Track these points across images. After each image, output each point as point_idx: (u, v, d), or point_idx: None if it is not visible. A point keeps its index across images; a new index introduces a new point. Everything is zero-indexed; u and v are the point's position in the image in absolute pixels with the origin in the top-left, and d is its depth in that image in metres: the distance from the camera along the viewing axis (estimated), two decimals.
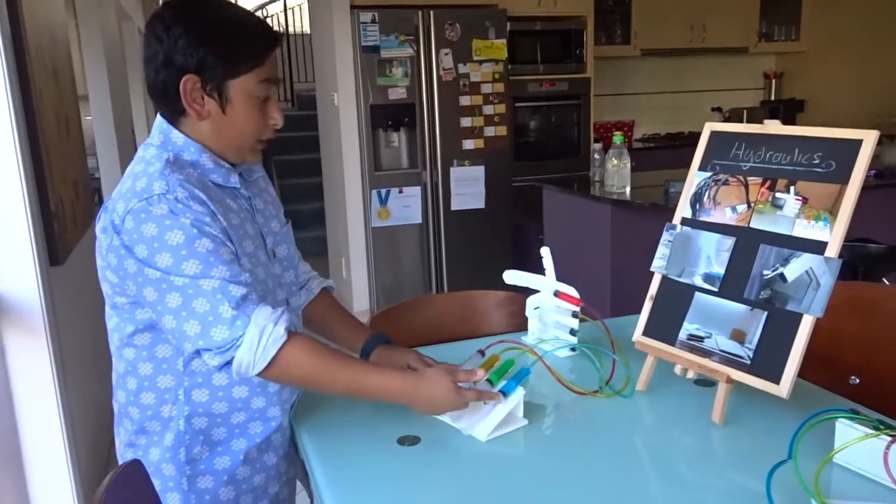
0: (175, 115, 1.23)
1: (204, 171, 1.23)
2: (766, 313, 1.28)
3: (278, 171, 6.65)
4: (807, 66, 6.20)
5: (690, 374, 1.37)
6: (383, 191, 4.52)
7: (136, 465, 1.08)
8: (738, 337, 1.31)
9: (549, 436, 1.32)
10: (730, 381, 1.29)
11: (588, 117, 5.23)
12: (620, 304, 3.15)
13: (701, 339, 1.37)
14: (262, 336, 1.13)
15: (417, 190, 4.60)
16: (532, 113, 5.17)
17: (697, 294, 1.40)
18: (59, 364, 2.21)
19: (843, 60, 5.86)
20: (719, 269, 1.37)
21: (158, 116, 1.25)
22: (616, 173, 3.24)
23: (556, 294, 1.66)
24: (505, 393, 1.30)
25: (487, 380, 1.34)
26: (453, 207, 4.69)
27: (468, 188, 4.69)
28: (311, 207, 6.21)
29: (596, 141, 5.31)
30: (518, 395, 1.30)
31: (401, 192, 4.55)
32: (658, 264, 1.49)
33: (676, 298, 1.44)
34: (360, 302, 4.72)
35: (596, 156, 3.61)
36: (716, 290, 1.37)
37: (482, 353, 1.45)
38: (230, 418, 1.26)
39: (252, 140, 1.26)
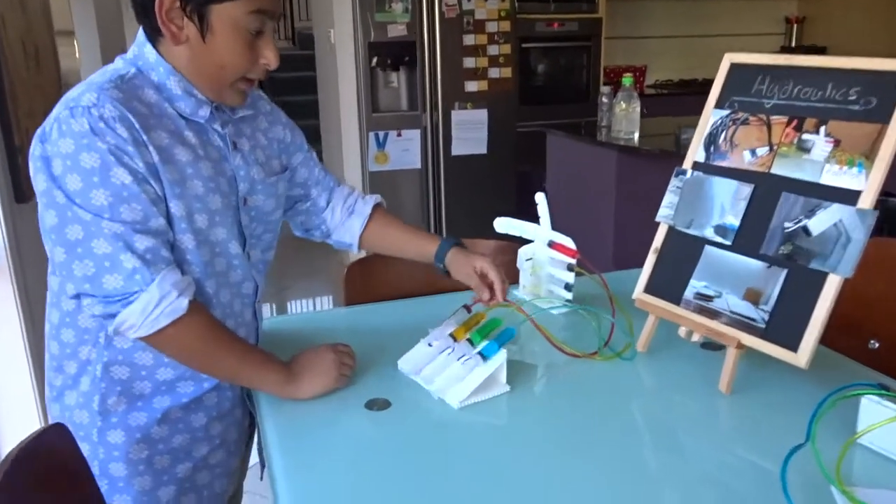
0: (154, 33, 1.08)
1: (170, 95, 1.09)
2: (785, 271, 1.13)
3: None
4: (830, 11, 5.88)
5: (696, 337, 1.23)
6: (381, 133, 4.33)
7: (58, 431, 0.95)
8: (753, 297, 1.16)
9: (537, 403, 1.18)
10: (741, 346, 1.15)
11: (598, 61, 4.98)
12: (624, 258, 2.99)
13: (710, 298, 1.22)
14: (161, 302, 1.01)
15: (417, 133, 4.41)
16: (539, 55, 4.92)
17: (708, 248, 1.25)
18: (24, 304, 2.09)
19: (867, 4, 5.55)
20: (734, 221, 1.21)
21: (140, 30, 1.10)
22: (624, 118, 3.04)
23: (551, 245, 1.51)
24: (485, 356, 1.16)
25: (468, 339, 1.20)
26: (454, 152, 4.50)
27: (470, 132, 4.49)
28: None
29: (605, 85, 5.07)
30: (500, 358, 1.16)
31: (399, 135, 4.35)
32: (664, 213, 1.32)
33: (684, 252, 1.28)
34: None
35: (604, 99, 3.40)
36: (729, 243, 1.21)
37: (468, 308, 1.31)
38: (155, 373, 1.13)
39: (233, 77, 1.10)
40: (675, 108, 4.58)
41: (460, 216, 4.62)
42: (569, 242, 1.49)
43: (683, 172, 1.32)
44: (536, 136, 4.89)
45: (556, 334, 1.32)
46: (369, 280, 1.67)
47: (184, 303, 1.03)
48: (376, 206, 1.43)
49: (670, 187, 1.33)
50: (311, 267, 4.64)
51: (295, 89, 6.47)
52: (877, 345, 1.39)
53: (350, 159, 4.44)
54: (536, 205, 1.55)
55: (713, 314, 1.20)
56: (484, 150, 4.56)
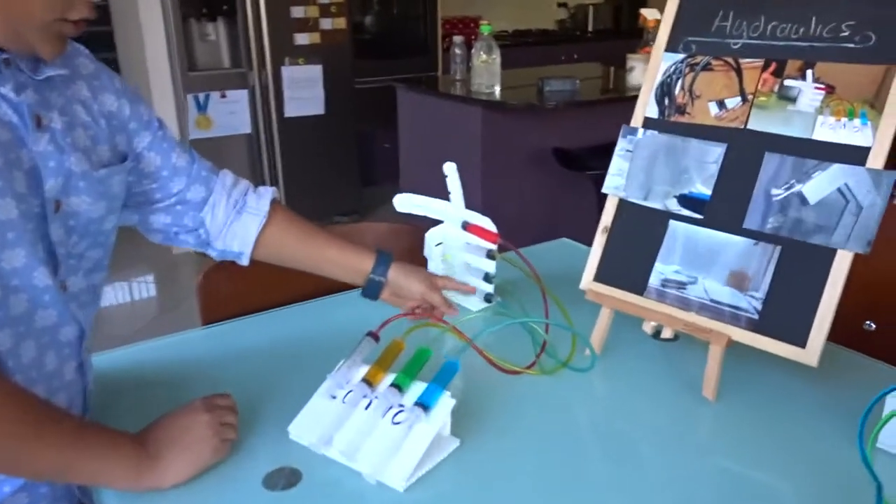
0: None
1: None
2: (777, 249, 0.93)
3: None
4: None
5: (668, 334, 1.01)
6: (201, 95, 3.77)
7: None
8: (738, 282, 0.95)
9: (494, 451, 0.90)
10: (730, 342, 0.94)
11: (435, 11, 4.71)
12: (497, 220, 2.78)
13: (682, 284, 1.00)
14: None
15: (244, 94, 3.89)
16: (373, 4, 4.54)
17: (673, 224, 1.02)
18: None
19: None
20: (704, 189, 1.00)
21: None
22: (485, 70, 2.80)
23: (466, 227, 1.22)
24: (426, 406, 0.85)
25: (394, 384, 0.88)
26: (288, 114, 4.04)
27: (304, 91, 4.05)
28: None
29: (444, 38, 4.82)
30: (446, 407, 0.86)
31: (223, 96, 3.82)
32: (613, 183, 1.08)
33: (642, 230, 1.05)
34: None
35: (457, 51, 3.14)
36: (700, 217, 1.00)
37: (374, 336, 0.98)
38: None
39: (48, 17, 0.73)
40: (516, 60, 4.44)
41: (300, 185, 4.20)
42: (487, 224, 1.21)
43: (633, 132, 1.08)
44: (376, 93, 4.55)
45: (482, 339, 1.04)
46: (233, 288, 1.29)
47: None
48: (273, 203, 1.07)
49: (618, 150, 1.09)
50: (137, 254, 4.00)
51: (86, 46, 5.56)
52: (873, 326, 1.26)
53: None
54: (445, 177, 1.25)
55: (688, 304, 0.99)
56: (321, 110, 4.15)
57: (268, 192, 1.07)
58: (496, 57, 2.81)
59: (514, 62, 4.29)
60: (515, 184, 2.78)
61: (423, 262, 1.28)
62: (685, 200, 1.01)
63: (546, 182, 2.91)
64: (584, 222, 3.07)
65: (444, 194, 1.25)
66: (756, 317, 0.93)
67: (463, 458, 0.86)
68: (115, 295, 3.59)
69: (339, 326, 1.18)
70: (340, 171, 4.32)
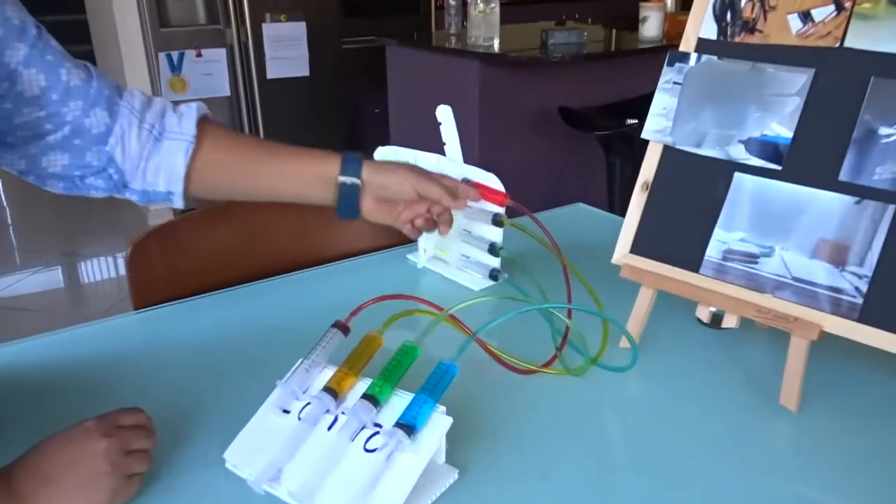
0: None
1: None
2: (891, 209, 0.68)
3: None
4: None
5: (731, 322, 0.77)
6: (175, 53, 3.48)
7: None
8: (833, 254, 0.71)
9: (502, 480, 0.66)
10: (822, 335, 0.70)
11: None
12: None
13: (753, 257, 0.76)
14: None
15: (222, 53, 3.60)
16: None
17: (740, 177, 0.78)
18: None
19: None
20: (783, 131, 0.75)
21: None
22: (483, 21, 2.52)
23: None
24: (411, 427, 0.61)
25: (367, 396, 0.64)
26: (270, 75, 3.76)
27: (288, 51, 3.76)
28: None
29: None
30: (438, 428, 0.62)
31: (199, 54, 3.53)
32: (656, 126, 0.83)
33: (696, 187, 0.81)
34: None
35: (451, 2, 2.85)
36: (778, 167, 0.75)
37: (343, 328, 0.72)
38: None
39: None
40: (512, 19, 4.15)
41: None
42: (493, 181, 0.96)
43: (683, 58, 0.83)
44: (365, 54, 4.25)
45: (487, 330, 0.79)
46: (178, 262, 1.04)
47: None
48: (201, 122, 0.82)
49: (662, 83, 0.84)
50: (110, 217, 3.74)
51: (55, 6, 5.23)
52: None
53: (136, 87, 3.54)
54: (439, 124, 0.99)
55: (760, 284, 0.74)
56: (305, 72, 3.86)
57: (191, 110, 0.81)
58: (495, 6, 2.54)
59: (509, 21, 4.01)
60: (516, 146, 2.52)
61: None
62: (756, 146, 0.77)
63: (550, 144, 2.65)
64: (593, 188, 2.82)
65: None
66: (859, 300, 0.69)
67: (463, 494, 0.62)
68: (85, 271, 3.33)
69: (303, 314, 0.94)
70: (327, 138, 4.04)
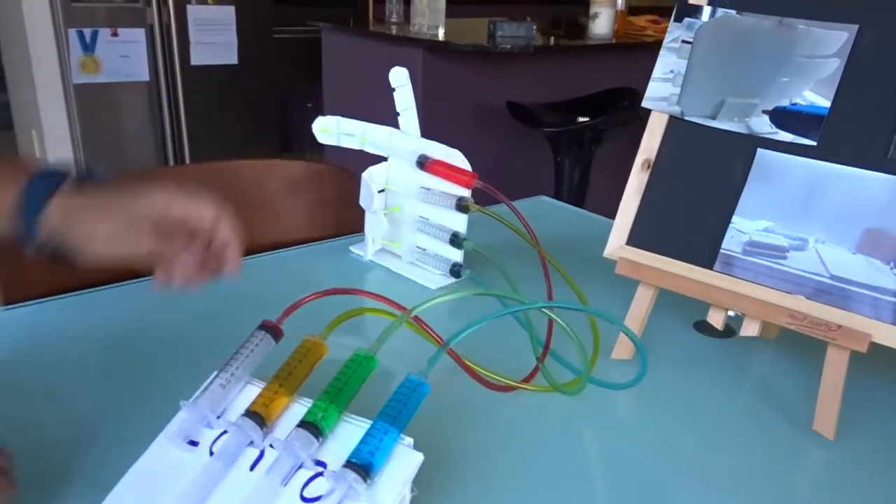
0: None
1: None
2: None
3: None
4: None
5: (752, 329, 0.63)
6: (87, 31, 3.18)
7: None
8: (882, 247, 0.58)
9: None
10: (870, 347, 0.57)
11: None
12: None
13: (780, 251, 0.62)
14: None
15: (141, 33, 3.32)
16: None
17: (764, 155, 0.65)
18: None
19: None
20: (820, 100, 0.62)
21: None
22: (427, 8, 2.37)
23: (423, 164, 0.81)
24: (367, 467, 0.44)
25: (306, 423, 0.47)
26: (194, 61, 3.50)
27: (214, 36, 3.51)
28: None
29: None
30: (408, 465, 0.45)
31: (115, 34, 3.24)
32: (659, 93, 0.70)
33: (710, 165, 0.67)
34: None
35: None
36: (813, 142, 0.62)
37: (274, 330, 0.53)
38: None
39: None
40: (460, 13, 4.02)
41: (208, 146, 3.67)
42: (457, 158, 0.80)
43: (695, 12, 0.69)
44: (297, 45, 4.04)
45: (464, 335, 0.64)
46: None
47: None
48: None
49: (668, 41, 0.70)
50: None
51: None
52: None
53: (44, 70, 3.23)
54: (392, 90, 0.83)
55: (792, 283, 0.61)
56: (234, 60, 3.62)
57: None
58: None
59: (454, 16, 3.88)
60: (461, 139, 2.35)
61: (358, 216, 0.87)
62: (784, 118, 0.64)
63: (496, 139, 2.52)
64: (540, 186, 2.71)
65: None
66: None
67: None
68: None
69: (219, 314, 0.75)
70: (256, 134, 3.81)
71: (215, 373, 0.50)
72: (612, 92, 2.41)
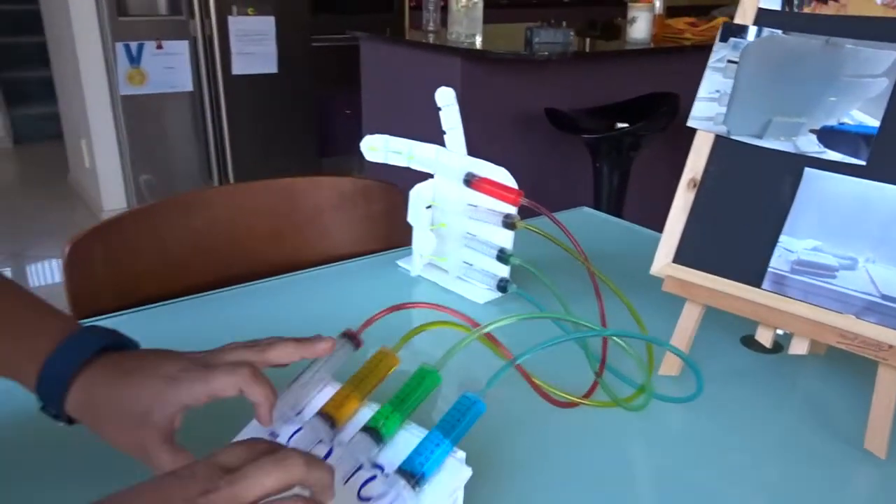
0: None
1: None
2: None
3: None
4: None
5: (801, 348, 0.64)
6: (133, 44, 3.27)
7: None
8: None
9: None
10: None
11: None
12: None
13: (829, 270, 0.63)
14: None
15: (184, 45, 3.41)
16: None
17: (812, 174, 0.65)
18: None
19: None
20: (868, 119, 0.63)
21: None
22: (465, 16, 2.39)
23: (470, 182, 0.83)
24: (418, 476, 0.46)
25: (369, 428, 0.50)
26: (235, 71, 3.58)
27: (255, 45, 3.59)
28: (36, 76, 4.68)
29: None
30: (456, 478, 0.48)
31: (160, 46, 3.33)
32: (705, 112, 0.70)
33: (757, 185, 0.68)
34: (112, 199, 3.53)
35: None
36: (863, 162, 0.63)
37: (354, 339, 0.57)
38: None
39: None
40: (495, 19, 4.04)
41: (249, 154, 3.75)
42: (504, 176, 0.82)
43: (741, 32, 0.70)
44: (336, 53, 4.10)
45: (531, 353, 0.65)
46: (123, 265, 0.87)
47: None
48: None
49: (713, 61, 0.71)
50: (56, 217, 3.51)
51: None
52: None
53: (92, 80, 3.34)
54: (438, 109, 0.85)
55: (842, 302, 0.62)
56: (273, 69, 3.69)
57: None
58: (478, 1, 2.41)
59: (490, 22, 3.90)
60: (498, 148, 2.39)
61: (404, 230, 0.89)
62: (832, 137, 0.64)
63: (535, 146, 2.53)
64: (579, 193, 2.70)
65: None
66: None
67: None
68: (29, 274, 3.10)
69: (275, 328, 0.78)
70: (295, 140, 3.88)
71: (301, 372, 0.53)
72: (651, 97, 2.40)
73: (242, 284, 0.88)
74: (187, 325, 0.79)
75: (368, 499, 0.47)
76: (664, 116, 2.33)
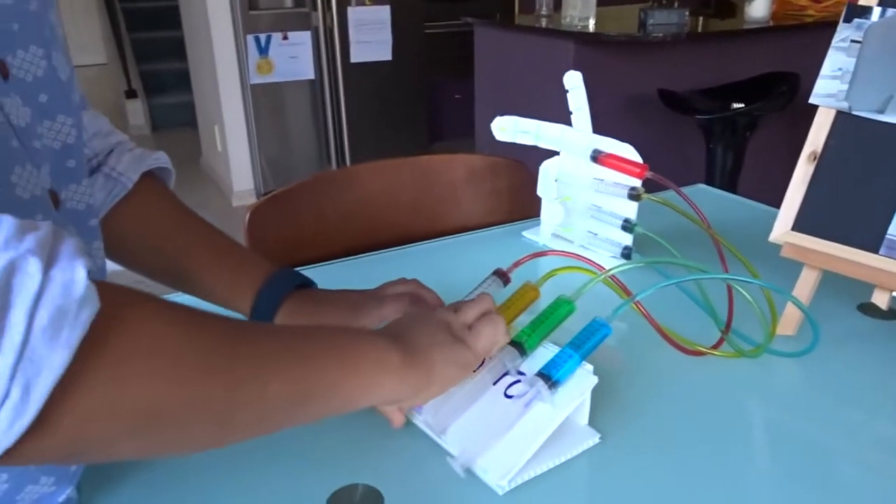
0: None
1: None
2: None
3: (129, 23, 5.36)
4: None
5: None
6: (262, 36, 3.51)
7: None
8: None
9: (653, 463, 0.60)
10: None
11: None
12: None
13: None
14: (37, 302, 0.32)
15: (307, 36, 3.62)
16: None
17: None
18: None
19: None
20: None
21: None
22: (579, 0, 2.44)
23: (596, 158, 0.91)
24: (554, 380, 0.58)
25: (514, 343, 0.61)
26: (353, 59, 3.76)
27: (372, 35, 3.75)
28: (173, 67, 5.07)
29: None
30: (583, 386, 0.58)
31: (285, 38, 3.55)
32: (827, 89, 0.75)
33: (877, 157, 0.72)
34: (242, 181, 3.81)
35: None
36: None
37: (503, 276, 0.71)
38: None
39: None
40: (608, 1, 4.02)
41: (365, 135, 3.93)
42: (629, 152, 0.89)
43: (865, 13, 0.74)
44: (447, 39, 4.22)
45: (650, 291, 0.73)
46: (290, 233, 1.01)
47: (80, 275, 0.34)
48: (150, 176, 0.70)
49: (836, 41, 0.75)
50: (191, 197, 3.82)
51: None
52: None
53: (225, 70, 3.61)
54: (566, 91, 0.93)
55: None
56: (388, 56, 3.85)
57: (147, 159, 0.69)
58: None
59: (604, 4, 3.89)
60: (611, 130, 2.42)
61: (530, 203, 0.98)
62: None
63: (648, 128, 2.55)
64: (692, 175, 2.70)
65: (534, 151, 0.96)
66: None
67: (602, 459, 0.58)
68: None
69: (445, 277, 0.89)
70: (408, 124, 4.03)
71: (464, 298, 0.66)
72: (769, 76, 2.36)
73: (387, 249, 1.00)
74: (342, 284, 0.91)
75: (512, 396, 0.59)
76: (783, 96, 2.29)
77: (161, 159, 0.70)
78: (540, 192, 0.96)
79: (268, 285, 0.64)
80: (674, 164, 2.62)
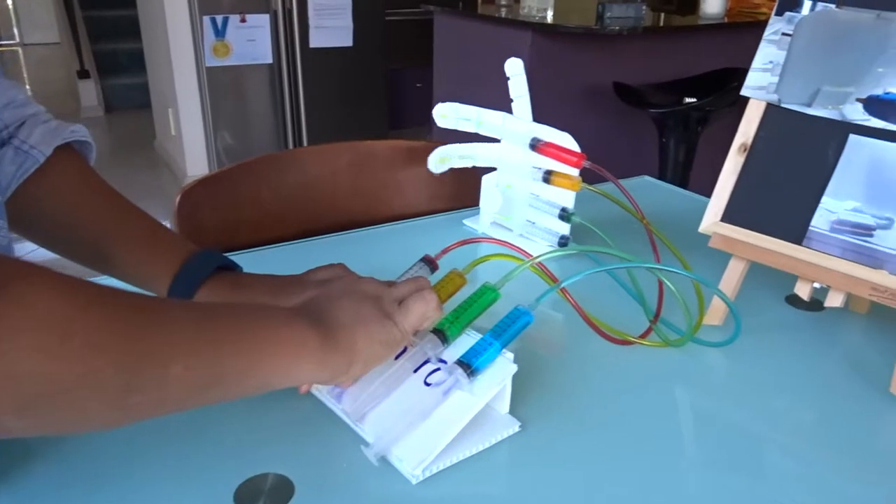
0: None
1: None
2: None
3: (82, 0, 5.21)
4: None
5: (836, 300, 0.69)
6: (219, 18, 3.44)
7: None
8: None
9: (571, 451, 0.60)
10: None
11: None
12: None
13: (866, 230, 0.68)
14: None
15: (265, 19, 3.56)
16: None
17: (856, 140, 0.70)
18: None
19: None
20: None
21: None
22: None
23: (535, 147, 0.91)
24: (473, 368, 0.57)
25: (437, 330, 0.60)
26: (313, 44, 3.71)
27: (332, 19, 3.71)
28: (128, 48, 4.94)
29: None
30: (502, 375, 0.58)
31: (243, 20, 3.48)
32: (758, 82, 0.75)
33: (803, 150, 0.73)
34: (196, 165, 3.73)
35: None
36: None
37: (431, 262, 0.70)
38: None
39: None
40: None
41: (324, 122, 3.89)
42: (567, 140, 0.89)
43: (795, 6, 0.74)
44: (408, 27, 4.19)
45: (576, 279, 0.73)
46: (220, 216, 0.99)
47: None
48: (67, 149, 0.66)
49: (768, 34, 0.75)
50: (143, 180, 3.74)
51: None
52: None
53: (179, 52, 3.53)
54: (507, 79, 0.92)
55: (876, 259, 0.67)
56: (349, 42, 3.81)
57: (63, 132, 0.66)
58: None
59: None
60: (566, 121, 2.43)
61: (470, 194, 0.97)
62: (877, 106, 0.68)
63: (602, 120, 2.56)
64: (643, 168, 2.73)
65: (484, 138, 0.95)
66: None
67: (522, 447, 0.58)
68: None
69: (380, 263, 0.88)
70: (367, 111, 4.00)
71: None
72: (722, 72, 2.40)
73: (327, 235, 0.98)
74: (275, 270, 0.90)
75: (432, 384, 0.59)
76: (734, 91, 2.32)
77: (79, 132, 0.67)
78: (482, 205, 0.95)
79: (186, 267, 0.62)
80: (627, 156, 2.64)
